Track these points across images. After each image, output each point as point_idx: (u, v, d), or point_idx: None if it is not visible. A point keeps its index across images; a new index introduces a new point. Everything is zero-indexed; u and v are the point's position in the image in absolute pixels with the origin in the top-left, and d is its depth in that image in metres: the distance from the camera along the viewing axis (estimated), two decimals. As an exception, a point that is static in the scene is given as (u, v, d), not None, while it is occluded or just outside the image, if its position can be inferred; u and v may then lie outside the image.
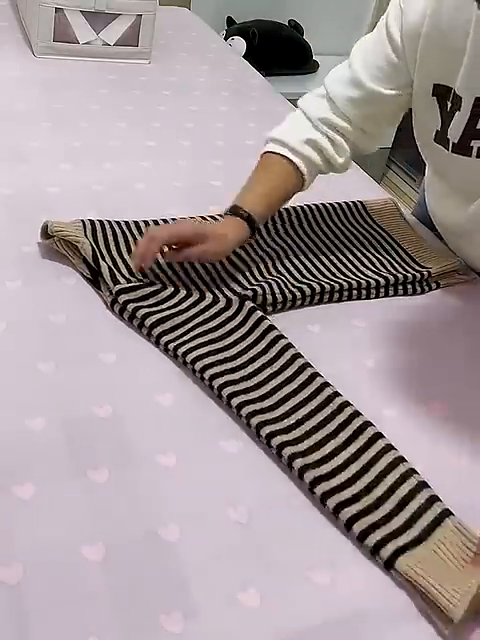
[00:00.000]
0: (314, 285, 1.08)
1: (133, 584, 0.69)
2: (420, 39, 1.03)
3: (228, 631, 0.67)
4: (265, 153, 1.15)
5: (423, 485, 0.80)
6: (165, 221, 1.19)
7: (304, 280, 1.10)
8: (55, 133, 1.49)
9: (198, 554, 0.73)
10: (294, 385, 0.90)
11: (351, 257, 1.18)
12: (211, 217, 1.21)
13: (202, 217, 1.21)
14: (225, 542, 0.74)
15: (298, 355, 0.94)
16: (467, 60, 0.98)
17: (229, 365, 0.92)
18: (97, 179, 1.34)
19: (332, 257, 1.17)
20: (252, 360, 0.93)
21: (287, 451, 0.81)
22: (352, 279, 1.11)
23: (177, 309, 1.01)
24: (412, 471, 0.81)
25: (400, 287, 1.14)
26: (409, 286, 1.14)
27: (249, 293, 1.03)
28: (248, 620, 0.68)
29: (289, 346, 0.95)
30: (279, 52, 2.69)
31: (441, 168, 1.17)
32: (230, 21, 2.75)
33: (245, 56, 2.34)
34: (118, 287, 1.00)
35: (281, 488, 0.81)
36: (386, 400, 0.95)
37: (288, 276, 1.11)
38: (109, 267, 1.04)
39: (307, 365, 0.92)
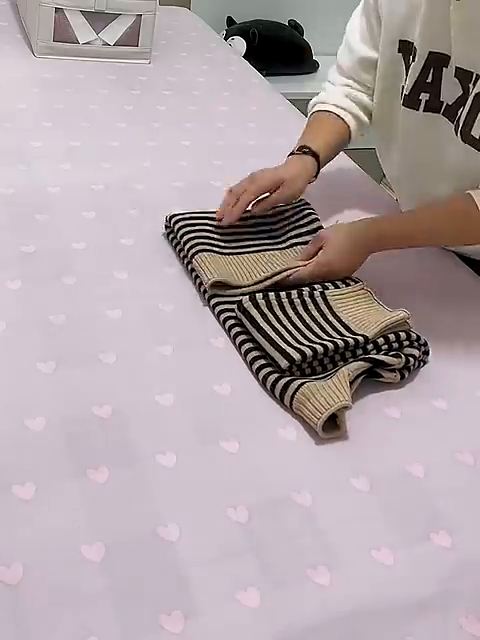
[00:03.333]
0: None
1: (133, 584, 0.69)
2: None
3: (228, 631, 0.67)
4: (313, 113, 1.30)
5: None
6: None
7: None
8: (55, 133, 1.49)
9: (198, 554, 0.73)
10: None
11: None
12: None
13: None
14: (225, 542, 0.74)
15: None
16: (423, 13, 1.06)
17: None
18: (97, 179, 1.34)
19: None
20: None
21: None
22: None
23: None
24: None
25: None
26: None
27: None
28: (248, 620, 0.68)
29: None
30: (279, 52, 2.68)
31: (396, 129, 1.22)
32: (230, 21, 2.74)
33: (245, 56, 2.33)
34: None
35: (281, 488, 0.81)
36: (387, 400, 0.95)
37: None
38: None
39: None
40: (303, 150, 1.22)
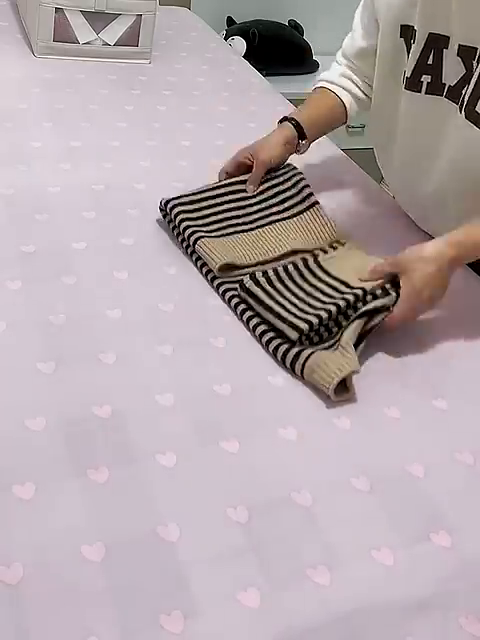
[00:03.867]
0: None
1: (133, 584, 0.69)
2: None
3: (228, 631, 0.67)
4: (313, 90, 1.36)
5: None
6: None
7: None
8: (55, 133, 1.49)
9: (198, 554, 0.73)
10: None
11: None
12: None
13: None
14: (225, 542, 0.74)
15: None
16: None
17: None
18: (97, 179, 1.34)
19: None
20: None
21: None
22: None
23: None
24: None
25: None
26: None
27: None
28: (248, 620, 0.68)
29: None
30: (279, 52, 2.68)
31: (398, 115, 1.22)
32: (230, 21, 2.74)
33: (245, 56, 2.33)
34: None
35: (281, 488, 0.81)
36: (387, 400, 0.95)
37: None
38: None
39: None
40: (285, 118, 1.29)
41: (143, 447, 0.83)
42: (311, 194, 1.24)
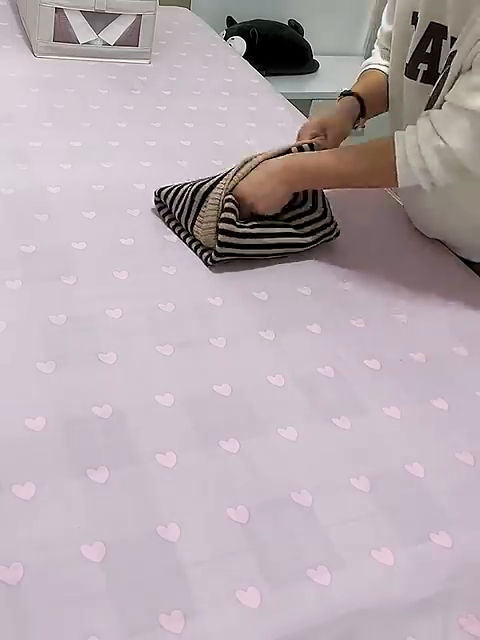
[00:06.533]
0: None
1: (133, 584, 0.69)
2: None
3: (228, 631, 0.67)
4: (361, 73, 1.37)
5: None
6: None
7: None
8: (55, 133, 1.49)
9: (198, 554, 0.73)
10: None
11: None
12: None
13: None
14: (225, 542, 0.74)
15: None
16: None
17: None
18: (97, 179, 1.34)
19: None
20: None
21: None
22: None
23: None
24: None
25: None
26: None
27: None
28: (248, 620, 0.68)
29: None
30: (279, 52, 2.69)
31: (400, 103, 1.24)
32: (230, 21, 2.74)
33: (245, 56, 2.34)
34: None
35: (281, 488, 0.81)
36: (387, 400, 0.95)
37: None
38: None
39: None
40: (344, 94, 1.30)
41: (143, 447, 0.83)
42: None
